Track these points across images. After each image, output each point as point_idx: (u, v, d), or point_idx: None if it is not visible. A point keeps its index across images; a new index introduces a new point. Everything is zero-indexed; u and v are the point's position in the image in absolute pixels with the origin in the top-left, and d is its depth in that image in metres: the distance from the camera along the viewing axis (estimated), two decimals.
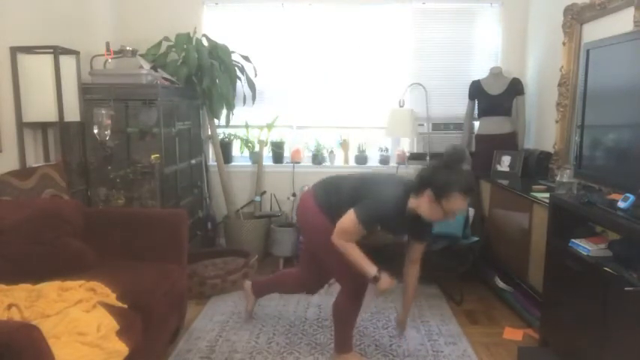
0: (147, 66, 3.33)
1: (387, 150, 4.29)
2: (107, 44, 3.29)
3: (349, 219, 2.16)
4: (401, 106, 4.07)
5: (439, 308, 3.14)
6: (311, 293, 2.85)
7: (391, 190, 2.19)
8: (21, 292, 1.92)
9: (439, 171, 2.10)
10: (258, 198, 4.13)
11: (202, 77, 3.69)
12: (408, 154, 4.18)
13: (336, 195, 2.31)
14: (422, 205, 2.12)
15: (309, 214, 2.38)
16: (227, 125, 4.03)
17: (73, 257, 2.30)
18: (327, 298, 3.20)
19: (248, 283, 2.95)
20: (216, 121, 4.00)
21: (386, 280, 2.18)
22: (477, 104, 3.96)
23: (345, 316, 2.43)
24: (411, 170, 4.11)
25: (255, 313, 3.04)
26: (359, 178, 2.36)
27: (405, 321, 2.59)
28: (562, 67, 3.34)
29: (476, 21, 4.15)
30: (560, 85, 3.36)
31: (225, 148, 4.18)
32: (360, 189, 2.25)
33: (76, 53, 2.96)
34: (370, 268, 2.18)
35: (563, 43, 3.32)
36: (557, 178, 2.76)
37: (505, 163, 3.69)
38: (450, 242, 3.19)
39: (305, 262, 2.69)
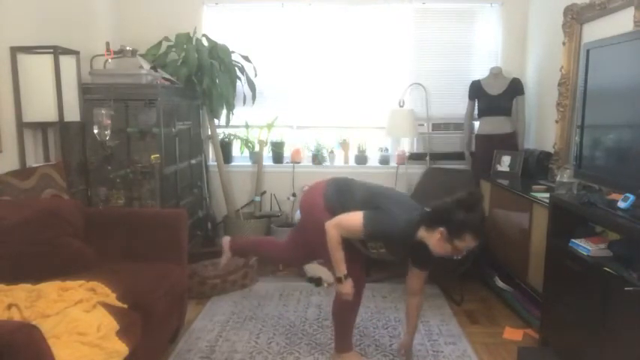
0: (147, 66, 3.33)
1: (387, 150, 4.29)
2: (107, 44, 3.29)
3: (355, 218, 2.16)
4: (401, 106, 4.07)
5: (439, 308, 3.14)
6: (286, 267, 2.89)
7: (405, 212, 2.17)
8: (21, 292, 1.92)
9: (456, 211, 2.05)
10: (258, 198, 4.13)
11: (202, 77, 3.68)
12: (408, 154, 4.17)
13: (347, 199, 2.28)
14: (432, 239, 2.10)
15: (316, 211, 2.34)
16: (227, 125, 4.03)
17: (73, 257, 2.30)
18: (327, 298, 3.20)
19: (227, 238, 2.93)
20: (216, 121, 4.00)
21: (348, 285, 2.23)
22: (477, 104, 3.96)
23: (344, 312, 2.43)
24: (411, 170, 4.13)
25: (255, 313, 3.05)
26: (374, 188, 2.36)
27: (409, 350, 2.52)
28: (562, 67, 3.33)
29: (476, 21, 4.14)
30: (560, 85, 3.36)
31: (225, 148, 4.18)
32: (374, 199, 2.24)
33: (76, 53, 2.96)
34: (341, 268, 2.21)
35: (563, 43, 3.32)
36: (557, 178, 2.76)
37: (505, 163, 3.69)
38: None
39: (295, 242, 2.65)
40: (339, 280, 2.23)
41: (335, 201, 2.31)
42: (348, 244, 2.27)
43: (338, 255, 2.20)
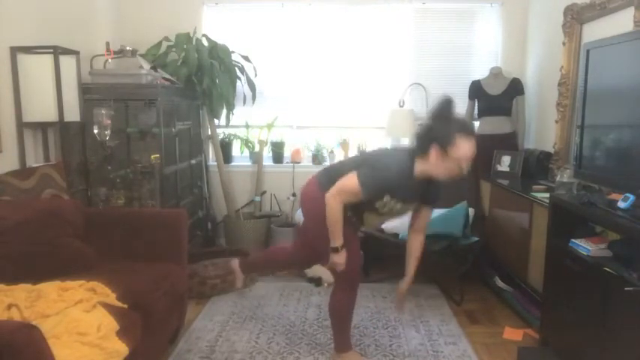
0: (147, 66, 3.33)
1: None
2: (107, 44, 3.29)
3: (350, 177, 2.14)
4: (401, 106, 4.07)
5: (439, 308, 3.14)
6: (301, 269, 2.97)
7: (394, 156, 2.17)
8: (21, 292, 1.92)
9: (436, 123, 2.07)
10: (258, 198, 4.13)
11: (202, 77, 3.69)
12: None
13: (338, 175, 2.26)
14: (431, 163, 2.06)
15: (316, 204, 2.30)
16: (227, 125, 4.03)
17: (73, 257, 2.30)
18: (327, 298, 3.18)
19: (235, 261, 2.92)
20: (216, 121, 4.00)
21: (342, 256, 2.22)
22: (477, 104, 3.96)
23: (341, 309, 2.42)
24: None
25: (255, 313, 3.05)
26: (360, 155, 2.37)
27: (404, 293, 2.49)
28: (562, 67, 3.34)
29: (476, 21, 4.15)
30: (560, 85, 3.36)
31: (225, 148, 4.19)
32: (364, 162, 2.22)
33: (76, 53, 2.96)
34: (338, 239, 2.20)
35: (563, 43, 3.32)
36: (557, 178, 2.76)
37: (505, 163, 3.69)
38: (450, 242, 3.19)
39: (302, 241, 2.67)
40: (334, 250, 2.22)
41: (329, 186, 2.28)
42: (349, 239, 2.27)
43: (337, 226, 2.18)
